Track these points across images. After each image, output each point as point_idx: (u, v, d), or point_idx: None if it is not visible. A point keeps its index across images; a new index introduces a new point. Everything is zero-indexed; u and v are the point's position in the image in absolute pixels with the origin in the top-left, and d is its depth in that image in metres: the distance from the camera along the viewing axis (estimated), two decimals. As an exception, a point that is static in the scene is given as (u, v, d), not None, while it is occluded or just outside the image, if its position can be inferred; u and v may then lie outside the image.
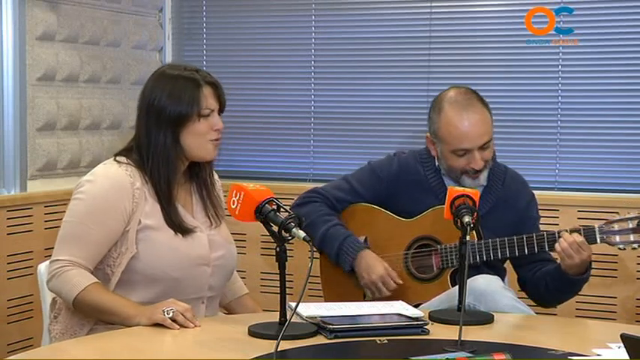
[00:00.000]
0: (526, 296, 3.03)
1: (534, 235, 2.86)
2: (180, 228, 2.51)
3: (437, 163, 3.03)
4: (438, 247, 2.97)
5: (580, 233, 2.76)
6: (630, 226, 2.78)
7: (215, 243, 2.59)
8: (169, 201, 2.51)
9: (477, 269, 2.83)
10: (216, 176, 2.69)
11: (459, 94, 2.96)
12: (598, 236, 2.78)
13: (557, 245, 2.78)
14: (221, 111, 2.58)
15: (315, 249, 3.04)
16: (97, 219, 2.44)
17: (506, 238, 2.87)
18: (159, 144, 2.50)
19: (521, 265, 3.00)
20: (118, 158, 2.54)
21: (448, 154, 2.93)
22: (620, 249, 2.83)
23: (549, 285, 2.89)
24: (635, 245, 2.79)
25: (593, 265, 4.01)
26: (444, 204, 2.54)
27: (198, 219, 2.58)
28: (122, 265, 2.46)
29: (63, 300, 2.48)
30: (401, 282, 2.96)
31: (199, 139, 2.52)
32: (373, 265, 2.94)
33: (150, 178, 2.50)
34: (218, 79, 2.62)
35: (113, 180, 2.47)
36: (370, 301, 2.98)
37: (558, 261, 2.84)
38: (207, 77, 2.55)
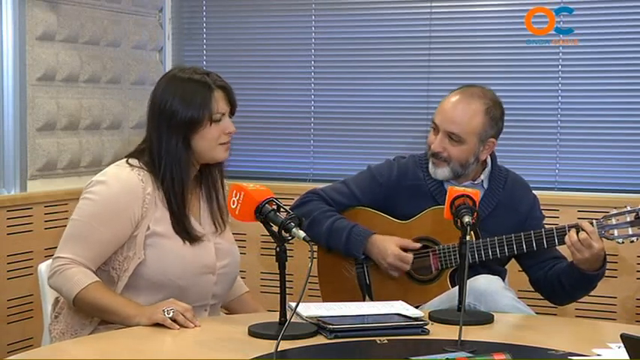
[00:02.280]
0: (527, 296, 3.03)
1: (543, 230, 2.84)
2: (189, 237, 2.51)
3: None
4: (436, 247, 2.97)
5: (592, 224, 2.74)
6: (628, 219, 2.78)
7: (221, 251, 2.59)
8: (180, 209, 2.50)
9: (475, 270, 2.82)
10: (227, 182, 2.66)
11: (476, 86, 3.02)
12: (596, 231, 2.78)
13: (566, 238, 2.75)
14: (232, 113, 2.58)
15: (319, 245, 3.06)
16: (105, 221, 2.43)
17: (504, 237, 2.86)
18: (170, 148, 2.49)
19: (531, 266, 2.98)
20: (130, 161, 2.52)
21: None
22: (618, 243, 2.83)
23: (564, 283, 2.86)
24: (634, 238, 2.79)
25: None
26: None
27: (204, 225, 2.57)
28: (129, 270, 2.45)
29: (63, 297, 2.48)
30: (418, 245, 2.96)
31: (210, 143, 2.52)
32: (384, 247, 2.94)
33: (162, 184, 2.49)
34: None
35: (125, 183, 2.46)
36: (373, 300, 2.99)
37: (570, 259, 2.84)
38: (218, 81, 2.54)
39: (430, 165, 2.97)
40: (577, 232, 2.73)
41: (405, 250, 2.95)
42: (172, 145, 2.49)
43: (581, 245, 2.72)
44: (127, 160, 2.53)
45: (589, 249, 2.72)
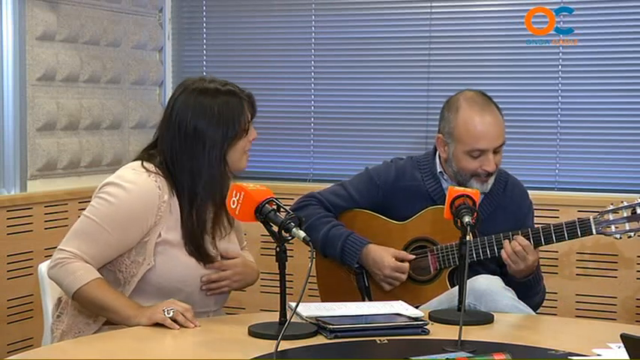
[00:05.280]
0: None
1: (529, 229, 2.85)
2: (202, 258, 2.50)
3: (438, 169, 3.01)
4: (435, 247, 2.97)
5: (529, 237, 2.79)
6: (625, 214, 2.79)
7: (226, 258, 2.59)
8: (198, 230, 2.48)
9: (474, 270, 2.81)
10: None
11: (475, 95, 2.96)
12: (594, 227, 2.79)
13: (502, 252, 2.80)
14: (252, 118, 2.57)
15: (316, 251, 3.05)
16: (117, 226, 2.43)
17: (502, 234, 2.86)
18: (210, 167, 2.47)
19: (506, 274, 3.00)
20: (145, 165, 2.50)
21: (461, 155, 2.91)
22: (616, 238, 2.83)
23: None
24: (631, 234, 2.79)
25: (593, 265, 4.03)
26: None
27: (207, 231, 2.55)
28: (138, 276, 2.46)
29: (62, 290, 2.48)
30: (413, 257, 2.95)
31: (241, 152, 2.53)
32: (380, 257, 2.93)
33: (193, 207, 2.47)
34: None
35: (142, 191, 2.44)
36: (372, 300, 2.99)
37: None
38: (243, 91, 2.54)
39: (474, 184, 2.90)
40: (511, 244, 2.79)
41: (401, 260, 2.94)
42: (215, 162, 2.47)
43: (516, 257, 2.77)
44: (142, 164, 2.50)
45: (523, 261, 2.77)
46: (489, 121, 2.89)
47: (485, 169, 2.90)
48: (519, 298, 2.80)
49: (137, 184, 2.45)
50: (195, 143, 2.48)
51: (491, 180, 2.95)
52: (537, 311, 2.90)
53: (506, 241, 2.79)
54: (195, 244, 2.49)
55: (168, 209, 2.47)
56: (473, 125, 2.88)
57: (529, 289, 2.89)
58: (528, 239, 2.82)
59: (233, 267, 2.58)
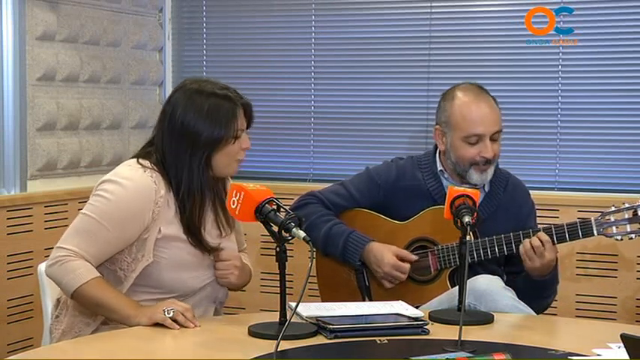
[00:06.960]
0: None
1: (530, 230, 2.85)
2: (207, 249, 2.52)
3: (438, 168, 3.01)
4: (435, 248, 2.97)
5: (551, 234, 2.77)
6: (626, 216, 2.78)
7: (225, 255, 2.59)
8: (195, 225, 2.50)
9: (474, 271, 2.81)
10: (229, 181, 2.66)
11: (470, 85, 2.99)
12: (595, 229, 2.78)
13: (520, 247, 2.79)
14: (247, 127, 2.57)
15: (316, 250, 3.05)
16: (116, 223, 2.43)
17: (502, 236, 2.85)
18: (193, 167, 2.48)
19: (508, 273, 2.99)
20: (141, 162, 2.50)
21: (459, 143, 2.91)
22: (617, 240, 2.83)
23: (520, 289, 2.84)
24: (632, 235, 2.79)
25: (594, 265, 4.02)
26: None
27: (207, 229, 2.56)
28: (136, 271, 2.46)
29: (61, 289, 2.48)
30: (416, 257, 2.95)
31: (229, 159, 2.52)
32: (381, 255, 2.93)
33: (180, 202, 2.48)
34: (218, 78, 2.62)
35: (139, 187, 2.45)
36: (372, 300, 2.99)
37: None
38: (240, 98, 2.54)
39: (474, 174, 2.91)
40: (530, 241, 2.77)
41: (402, 260, 2.94)
42: (195, 164, 2.48)
43: (533, 253, 2.76)
44: (137, 161, 2.51)
45: (540, 258, 2.75)
46: (484, 106, 2.91)
47: (484, 156, 2.89)
48: (533, 298, 2.80)
49: (133, 180, 2.46)
50: (181, 138, 2.49)
51: (491, 170, 2.94)
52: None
53: (525, 239, 2.78)
54: (194, 234, 2.50)
55: (166, 204, 2.47)
56: (468, 111, 2.90)
57: (544, 288, 2.89)
58: (550, 236, 2.80)
59: (235, 259, 2.60)
